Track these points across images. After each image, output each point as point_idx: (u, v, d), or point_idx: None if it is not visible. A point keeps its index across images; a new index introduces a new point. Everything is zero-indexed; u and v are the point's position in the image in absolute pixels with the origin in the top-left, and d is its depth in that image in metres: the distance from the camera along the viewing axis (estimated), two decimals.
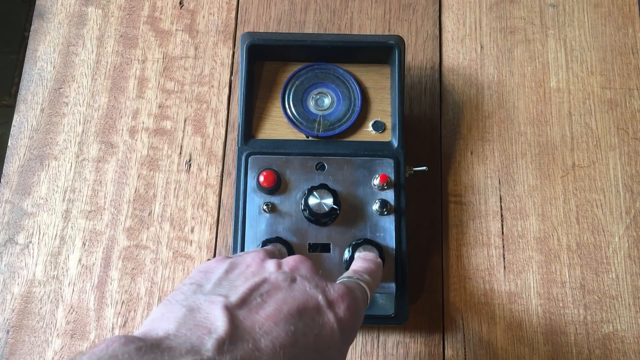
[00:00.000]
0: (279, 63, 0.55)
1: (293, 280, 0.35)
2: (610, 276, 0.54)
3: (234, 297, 0.33)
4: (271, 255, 0.40)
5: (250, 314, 0.31)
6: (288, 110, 0.53)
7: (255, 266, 0.37)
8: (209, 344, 0.28)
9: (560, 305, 0.54)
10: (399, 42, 0.52)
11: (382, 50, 0.53)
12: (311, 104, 0.53)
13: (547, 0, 0.63)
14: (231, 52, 0.61)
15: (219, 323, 0.30)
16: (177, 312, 0.31)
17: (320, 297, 0.34)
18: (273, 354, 0.29)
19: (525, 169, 0.57)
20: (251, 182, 0.51)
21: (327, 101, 0.54)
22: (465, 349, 0.53)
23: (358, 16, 0.62)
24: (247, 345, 0.29)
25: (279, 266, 0.37)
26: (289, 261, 0.38)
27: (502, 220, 0.56)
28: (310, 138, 0.53)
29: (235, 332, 0.30)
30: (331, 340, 0.33)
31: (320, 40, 0.53)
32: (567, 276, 0.54)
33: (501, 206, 0.56)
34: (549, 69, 0.61)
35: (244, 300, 0.32)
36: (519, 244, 0.55)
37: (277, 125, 0.53)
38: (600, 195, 0.57)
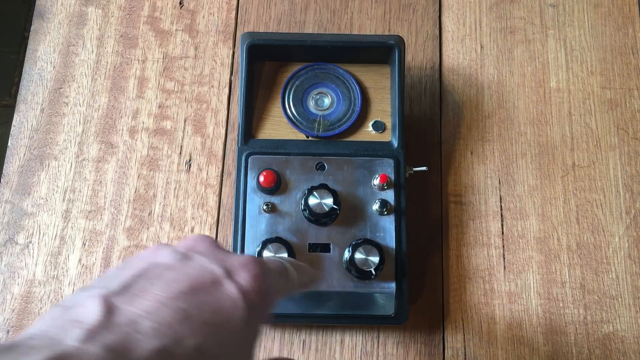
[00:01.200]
0: (279, 63, 0.55)
1: (188, 258, 0.33)
2: (610, 276, 0.54)
3: (115, 285, 0.30)
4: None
5: (132, 299, 0.29)
6: (288, 110, 0.53)
7: (146, 255, 0.34)
8: (75, 334, 0.26)
9: (560, 305, 0.54)
10: (399, 42, 0.52)
11: (382, 50, 0.53)
12: (311, 104, 0.53)
13: (547, 0, 0.63)
14: (231, 52, 0.61)
15: (91, 312, 0.28)
16: (53, 313, 0.29)
17: (217, 269, 0.32)
18: (156, 333, 0.27)
19: (525, 169, 0.57)
20: (251, 182, 0.51)
21: (327, 101, 0.54)
22: (465, 349, 0.53)
23: (358, 16, 0.62)
24: (123, 329, 0.27)
25: (174, 249, 0.34)
26: (186, 242, 0.35)
27: (502, 220, 0.56)
28: (310, 138, 0.53)
29: (109, 319, 0.28)
30: (233, 312, 0.30)
31: (320, 40, 0.53)
32: (567, 276, 0.54)
33: (501, 206, 0.56)
34: (549, 69, 0.61)
35: (126, 287, 0.30)
36: (519, 244, 0.55)
37: (277, 125, 0.53)
38: (600, 195, 0.57)
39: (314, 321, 0.51)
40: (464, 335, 0.53)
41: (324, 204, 0.48)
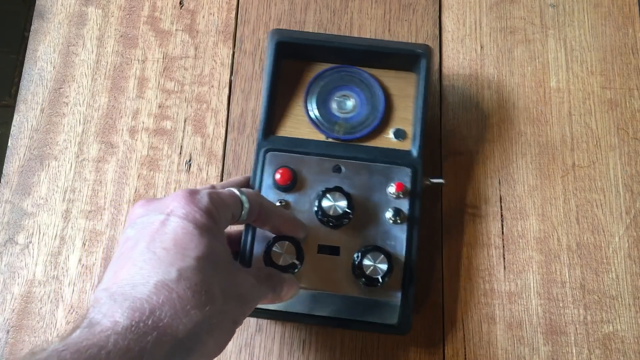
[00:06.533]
0: (303, 62, 0.54)
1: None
2: (610, 276, 0.54)
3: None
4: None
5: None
6: (310, 110, 0.53)
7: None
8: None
9: (560, 305, 0.54)
10: (427, 51, 0.52)
11: (409, 58, 0.52)
12: (334, 105, 0.53)
13: (547, 0, 0.63)
14: (231, 52, 0.61)
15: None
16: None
17: (159, 215, 0.37)
18: (148, 273, 0.34)
19: (525, 169, 0.58)
20: (267, 178, 0.50)
21: (349, 104, 0.53)
22: (465, 349, 0.53)
23: (358, 16, 0.62)
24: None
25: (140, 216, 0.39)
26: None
27: (502, 220, 0.56)
28: (329, 139, 0.52)
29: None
30: (186, 234, 0.36)
31: (349, 43, 0.53)
32: (567, 276, 0.54)
33: (501, 206, 0.56)
34: (549, 69, 0.61)
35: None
36: (519, 244, 0.55)
37: (297, 124, 0.53)
38: (600, 195, 0.57)
39: (315, 322, 0.51)
40: (464, 335, 0.53)
41: (337, 206, 0.48)
